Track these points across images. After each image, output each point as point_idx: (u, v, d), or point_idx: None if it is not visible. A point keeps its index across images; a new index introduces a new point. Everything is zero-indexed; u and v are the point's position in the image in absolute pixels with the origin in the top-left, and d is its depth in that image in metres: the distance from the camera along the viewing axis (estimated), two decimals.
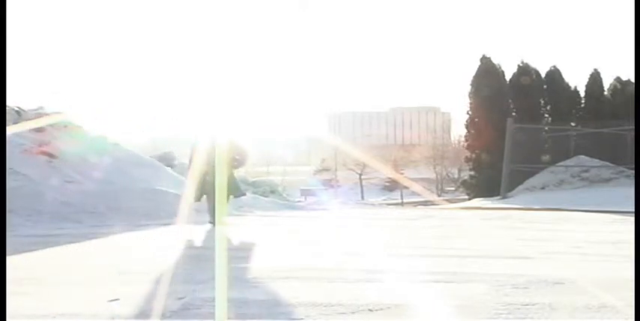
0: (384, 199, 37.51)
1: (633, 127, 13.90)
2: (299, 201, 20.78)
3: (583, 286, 3.24)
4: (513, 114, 20.15)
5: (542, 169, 17.81)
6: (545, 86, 21.65)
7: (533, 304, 2.80)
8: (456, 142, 43.51)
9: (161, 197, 8.62)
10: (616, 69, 56.20)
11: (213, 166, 6.92)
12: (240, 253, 4.82)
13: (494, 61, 21.40)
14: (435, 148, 47.51)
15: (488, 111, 20.25)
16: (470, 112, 21.62)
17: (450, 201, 19.84)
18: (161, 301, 2.81)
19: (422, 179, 38.75)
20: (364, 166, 40.58)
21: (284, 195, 18.65)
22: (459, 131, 39.62)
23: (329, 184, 41.07)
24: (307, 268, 3.85)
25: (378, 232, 6.73)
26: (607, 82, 22.12)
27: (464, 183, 25.73)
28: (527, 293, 3.05)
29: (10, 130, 8.81)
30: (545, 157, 18.53)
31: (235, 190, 7.49)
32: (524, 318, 2.59)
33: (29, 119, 10.11)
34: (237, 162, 7.44)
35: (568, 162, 17.62)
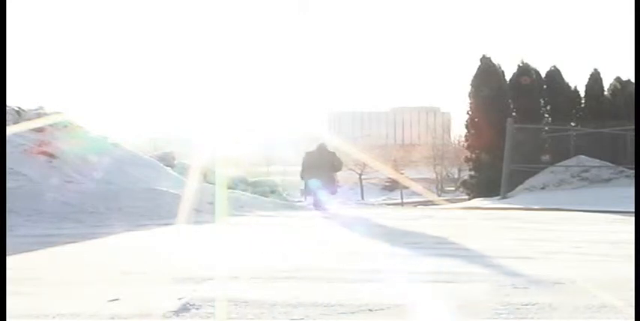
0: (384, 199, 37.47)
1: (633, 127, 13.91)
2: (299, 201, 20.71)
3: (583, 286, 3.24)
4: (513, 114, 20.17)
5: (542, 169, 17.82)
6: (545, 86, 21.66)
7: (533, 304, 2.80)
8: (456, 142, 43.53)
9: (161, 197, 8.61)
10: (616, 69, 56.38)
11: (316, 169, 10.05)
12: (239, 253, 4.82)
13: (494, 61, 21.44)
14: (435, 148, 47.51)
15: (488, 111, 20.26)
16: (470, 112, 21.63)
17: (450, 201, 19.84)
18: (161, 301, 2.81)
19: (422, 179, 38.76)
20: (364, 166, 40.54)
21: (284, 195, 18.59)
22: (459, 131, 39.70)
23: None
24: (307, 268, 3.85)
25: (377, 232, 6.72)
26: (607, 82, 22.17)
27: (464, 183, 25.73)
28: (527, 293, 3.05)
29: (10, 130, 8.82)
30: (545, 157, 18.55)
31: (331, 188, 10.30)
32: (524, 318, 2.59)
33: (29, 119, 10.12)
34: (335, 167, 10.17)
35: (568, 162, 17.63)
